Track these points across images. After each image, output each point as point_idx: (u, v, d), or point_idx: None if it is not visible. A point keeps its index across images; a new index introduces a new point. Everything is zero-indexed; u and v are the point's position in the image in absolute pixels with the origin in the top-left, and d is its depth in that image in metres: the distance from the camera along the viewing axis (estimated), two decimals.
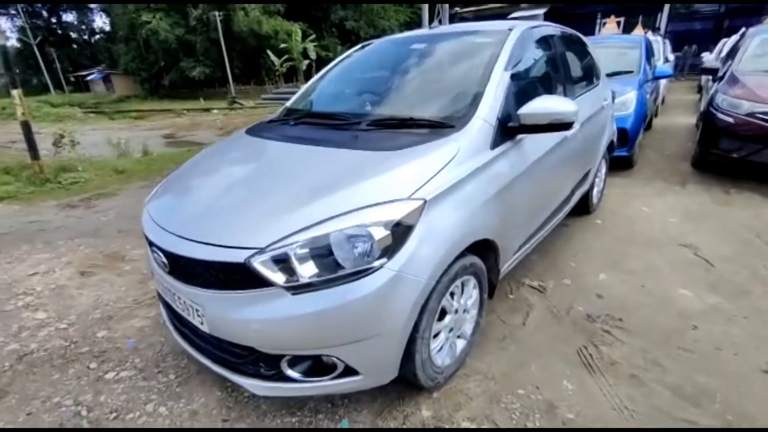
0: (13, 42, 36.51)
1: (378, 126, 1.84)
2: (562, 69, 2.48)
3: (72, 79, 36.44)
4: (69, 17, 34.90)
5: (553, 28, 2.53)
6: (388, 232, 1.30)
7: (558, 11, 17.17)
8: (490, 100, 1.77)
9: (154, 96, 27.97)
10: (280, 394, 1.44)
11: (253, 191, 1.56)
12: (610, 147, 3.57)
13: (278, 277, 1.25)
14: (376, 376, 1.44)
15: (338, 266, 1.26)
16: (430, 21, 13.14)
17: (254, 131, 2.13)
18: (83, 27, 35.97)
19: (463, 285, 1.70)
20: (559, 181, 2.39)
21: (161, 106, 21.47)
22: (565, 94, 2.48)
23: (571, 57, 2.68)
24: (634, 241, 3.00)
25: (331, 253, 1.26)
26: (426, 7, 11.61)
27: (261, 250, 1.26)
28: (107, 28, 31.49)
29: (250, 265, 1.25)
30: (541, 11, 15.62)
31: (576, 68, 2.78)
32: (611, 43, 5.59)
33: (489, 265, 1.88)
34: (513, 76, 1.98)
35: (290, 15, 28.43)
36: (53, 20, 34.36)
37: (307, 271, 1.25)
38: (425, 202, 1.38)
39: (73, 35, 35.44)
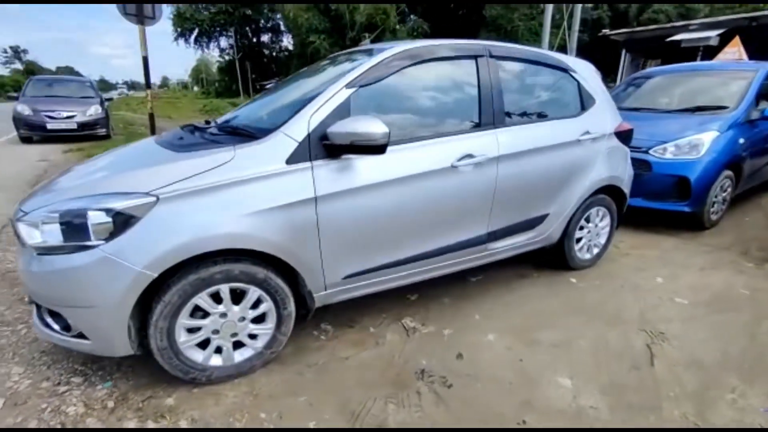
0: (228, 57, 47.07)
1: (219, 132, 2.00)
2: (473, 93, 2.18)
3: (258, 87, 45.35)
4: (265, 38, 43.36)
5: (467, 48, 2.22)
6: (109, 219, 1.47)
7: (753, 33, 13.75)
8: (305, 116, 1.75)
9: None
10: (42, 337, 1.73)
11: (80, 176, 1.88)
12: (616, 194, 2.89)
13: (28, 237, 1.54)
14: (104, 346, 1.60)
15: (63, 238, 1.49)
16: (551, 47, 12.15)
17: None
18: (274, 46, 44.28)
19: (238, 292, 1.73)
20: (438, 217, 2.10)
21: None
22: (480, 121, 2.19)
23: (510, 81, 2.34)
24: (586, 312, 2.39)
25: (63, 225, 1.49)
26: (547, 33, 10.83)
27: (25, 214, 1.57)
28: (290, 47, 37.52)
29: (14, 223, 1.58)
30: (713, 33, 13.14)
31: (517, 94, 2.40)
32: (707, 71, 4.39)
33: (299, 285, 1.85)
34: (367, 95, 1.90)
35: (437, 35, 29.65)
36: (254, 40, 43.16)
37: (43, 236, 1.51)
38: (158, 199, 1.50)
39: (266, 52, 43.84)
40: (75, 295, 1.51)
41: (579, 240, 2.88)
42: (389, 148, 1.90)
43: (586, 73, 2.70)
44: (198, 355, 1.73)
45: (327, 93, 1.82)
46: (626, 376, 1.85)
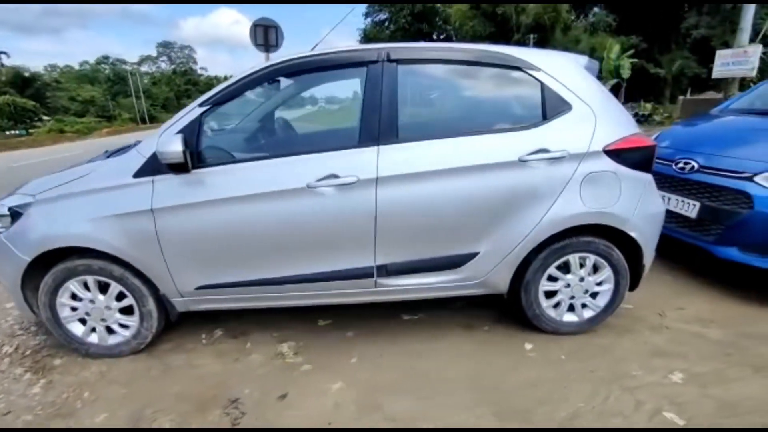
0: None
1: (126, 148, 2.32)
2: (355, 106, 1.90)
3: None
4: None
5: (354, 55, 1.91)
6: (7, 213, 1.95)
7: None
8: (158, 134, 1.90)
9: None
10: None
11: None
12: (622, 240, 2.02)
13: None
14: (17, 307, 2.11)
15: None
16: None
17: None
18: None
19: (104, 285, 2.00)
20: (300, 241, 1.90)
21: None
22: (359, 137, 1.90)
23: (417, 89, 1.93)
24: (489, 392, 1.79)
25: None
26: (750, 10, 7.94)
27: None
28: None
29: None
30: None
31: (428, 104, 1.94)
32: None
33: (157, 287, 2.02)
34: (225, 112, 1.94)
35: (624, 29, 25.28)
36: None
37: None
38: (35, 200, 1.91)
39: None
40: None
41: (551, 294, 2.14)
42: (239, 165, 1.93)
43: (561, 70, 1.96)
44: (79, 331, 2.09)
45: (182, 111, 1.92)
46: None
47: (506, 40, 27.07)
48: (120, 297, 2.04)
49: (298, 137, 2.04)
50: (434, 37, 44.23)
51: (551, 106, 1.95)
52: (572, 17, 26.07)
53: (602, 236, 2.03)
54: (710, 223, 2.59)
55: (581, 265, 2.08)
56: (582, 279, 2.10)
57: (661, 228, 2.11)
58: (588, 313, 2.18)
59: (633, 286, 2.18)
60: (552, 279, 2.11)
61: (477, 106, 2.04)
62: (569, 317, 2.18)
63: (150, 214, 1.86)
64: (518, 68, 1.96)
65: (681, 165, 2.80)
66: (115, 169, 1.93)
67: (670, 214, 2.83)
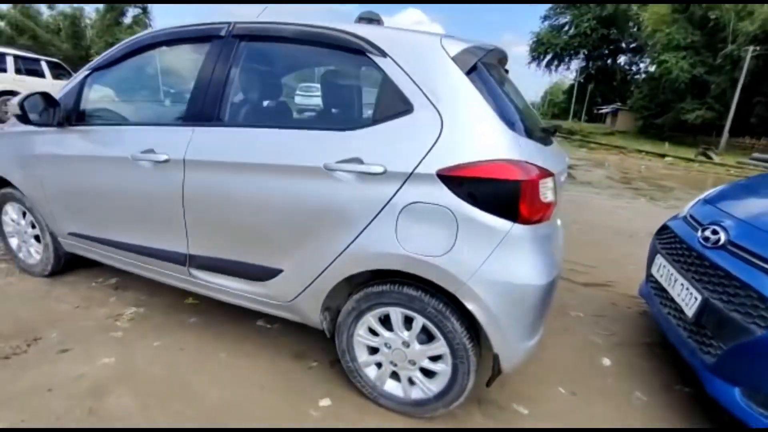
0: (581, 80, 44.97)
1: None
2: (190, 82, 1.75)
3: (595, 111, 41.82)
4: (621, 60, 39.14)
5: (202, 29, 1.72)
6: None
7: None
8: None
9: (641, 134, 26.95)
10: None
11: None
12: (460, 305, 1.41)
13: None
14: None
15: None
16: None
17: None
18: (629, 68, 39.20)
19: (25, 213, 2.41)
20: (130, 211, 1.92)
21: (625, 143, 20.74)
22: (184, 114, 1.78)
23: (254, 68, 1.68)
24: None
25: None
26: None
27: None
28: (652, 68, 31.84)
29: None
30: None
31: (261, 85, 1.65)
32: None
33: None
34: (102, 78, 2.08)
35: None
36: (608, 62, 39.78)
37: None
38: None
39: (619, 75, 39.37)
40: None
41: (372, 351, 1.64)
42: (97, 128, 2.05)
43: (415, 58, 1.41)
44: (13, 245, 2.56)
45: (76, 74, 2.12)
46: None
47: (713, 53, 21.47)
48: (34, 225, 2.42)
49: (139, 107, 2.05)
50: (623, 45, 38.07)
51: (387, 105, 1.45)
52: None
53: (437, 295, 1.44)
54: (711, 335, 1.58)
55: (408, 325, 1.53)
56: (407, 344, 1.54)
57: (533, 308, 1.37)
58: (416, 393, 1.59)
59: (491, 379, 1.50)
60: (374, 332, 1.61)
61: (309, 97, 1.67)
62: (392, 387, 1.64)
63: (34, 157, 2.13)
64: (361, 52, 1.51)
65: (707, 233, 1.77)
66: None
67: (673, 303, 1.87)
